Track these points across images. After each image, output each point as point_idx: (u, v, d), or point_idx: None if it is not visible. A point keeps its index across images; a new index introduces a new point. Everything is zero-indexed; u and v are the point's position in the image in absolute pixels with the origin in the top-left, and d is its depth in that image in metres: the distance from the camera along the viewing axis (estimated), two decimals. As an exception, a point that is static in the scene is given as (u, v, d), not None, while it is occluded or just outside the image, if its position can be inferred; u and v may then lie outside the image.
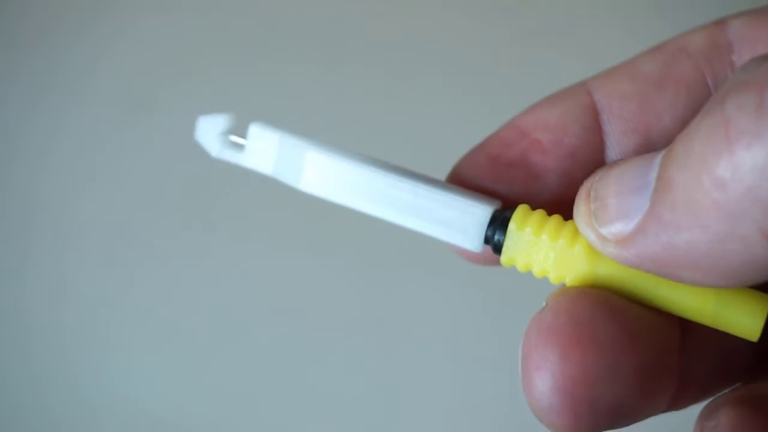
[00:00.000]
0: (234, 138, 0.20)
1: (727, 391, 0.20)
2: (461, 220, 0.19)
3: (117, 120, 0.54)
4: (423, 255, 0.48)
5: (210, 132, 0.20)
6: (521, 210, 0.19)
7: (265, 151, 0.20)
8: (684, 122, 0.19)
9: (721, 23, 0.20)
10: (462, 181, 0.20)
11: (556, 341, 0.16)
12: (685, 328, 0.19)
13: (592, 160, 0.20)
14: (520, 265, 0.19)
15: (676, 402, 0.19)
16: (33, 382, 0.51)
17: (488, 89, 0.53)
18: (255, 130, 0.20)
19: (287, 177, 0.20)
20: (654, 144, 0.20)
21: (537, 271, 0.19)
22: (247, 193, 0.51)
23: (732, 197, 0.14)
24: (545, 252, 0.18)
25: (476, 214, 0.19)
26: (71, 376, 0.52)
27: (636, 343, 0.17)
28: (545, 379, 0.16)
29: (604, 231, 0.17)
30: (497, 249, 0.19)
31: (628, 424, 0.17)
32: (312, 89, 0.54)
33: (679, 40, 0.20)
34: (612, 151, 0.20)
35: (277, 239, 0.52)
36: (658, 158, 0.16)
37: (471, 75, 0.54)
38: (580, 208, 0.18)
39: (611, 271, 0.18)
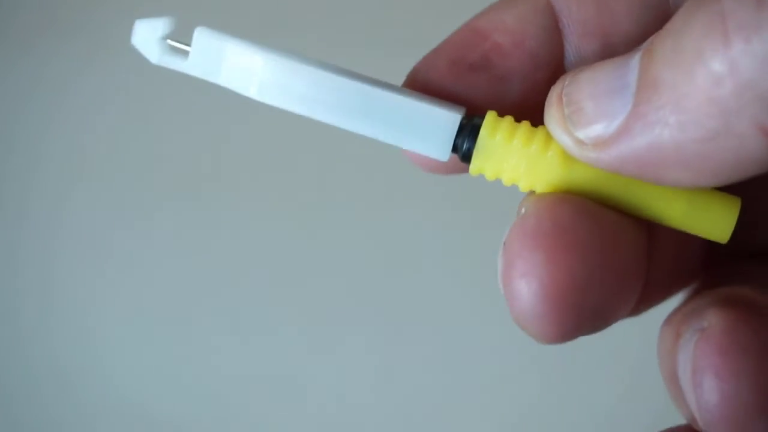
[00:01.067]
0: (176, 43, 0.19)
1: (688, 296, 0.21)
2: (427, 126, 0.18)
3: (109, 118, 0.52)
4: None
5: (148, 36, 0.19)
6: (491, 116, 0.18)
7: (211, 57, 0.18)
8: (643, 24, 0.19)
9: None
10: (421, 86, 0.19)
11: (541, 246, 0.16)
12: (649, 231, 0.19)
13: (554, 63, 0.19)
14: (489, 173, 0.18)
15: (638, 306, 0.19)
16: (29, 381, 0.51)
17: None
18: (200, 35, 0.18)
19: (237, 85, 0.18)
20: (614, 47, 0.19)
21: (506, 178, 0.18)
22: (244, 187, 0.51)
23: (729, 92, 0.14)
24: (517, 159, 0.18)
25: (443, 120, 0.18)
26: (67, 375, 0.51)
27: (617, 247, 0.17)
28: (532, 285, 0.16)
29: (581, 134, 0.16)
30: (466, 157, 0.18)
31: (604, 328, 0.17)
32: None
33: None
34: (571, 54, 0.20)
35: (277, 234, 0.52)
36: (635, 59, 0.16)
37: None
38: (552, 113, 0.17)
39: (584, 177, 0.18)
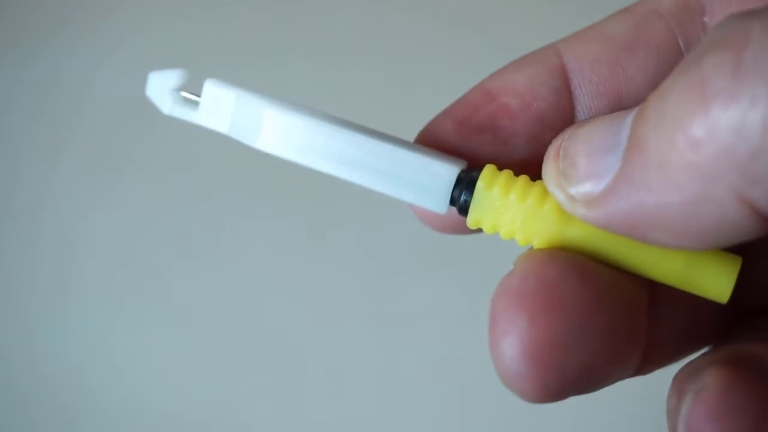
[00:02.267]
0: (187, 95, 0.19)
1: (701, 353, 0.20)
2: (426, 180, 0.18)
3: (122, 122, 0.53)
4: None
5: (161, 88, 0.19)
6: (488, 170, 0.18)
7: (219, 108, 0.19)
8: (656, 85, 0.19)
9: None
10: (428, 144, 0.20)
11: (523, 305, 0.16)
12: (653, 290, 0.18)
13: (562, 124, 0.19)
14: (487, 227, 0.18)
15: (644, 366, 0.19)
16: (41, 381, 0.51)
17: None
18: (210, 86, 0.19)
19: (244, 135, 0.19)
20: (625, 107, 0.19)
21: (504, 232, 0.18)
22: (250, 195, 0.52)
23: (706, 158, 0.14)
24: (513, 212, 0.18)
25: (441, 173, 0.18)
26: (79, 375, 0.52)
27: (604, 306, 0.17)
28: (513, 344, 0.16)
29: (574, 191, 0.17)
30: (463, 210, 0.18)
31: (596, 389, 0.17)
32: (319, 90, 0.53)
33: (650, 2, 0.20)
34: (582, 114, 0.20)
35: (280, 239, 0.53)
36: (630, 117, 0.16)
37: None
38: (548, 167, 0.17)
39: (580, 233, 0.17)
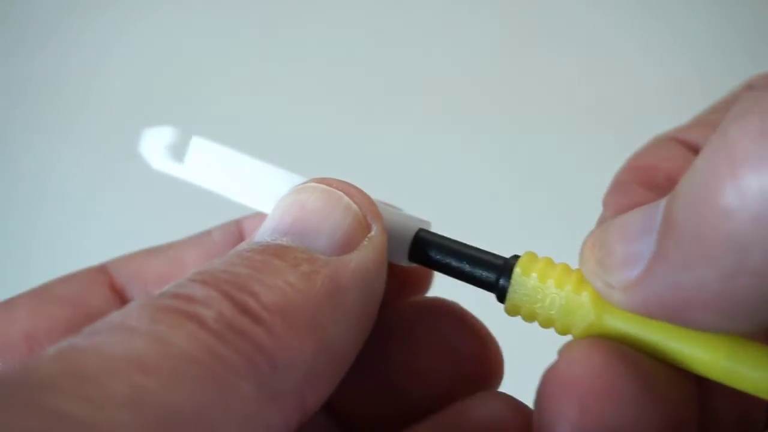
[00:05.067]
0: (175, 151, 0.21)
1: None
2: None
3: (119, 125, 0.53)
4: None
5: (153, 144, 0.21)
6: (527, 256, 0.18)
7: (204, 164, 0.20)
8: None
9: None
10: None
11: (573, 394, 0.15)
12: (702, 380, 0.18)
13: None
14: (524, 313, 0.18)
15: None
16: None
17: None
18: (196, 144, 0.20)
19: (228, 191, 0.20)
20: None
21: (542, 320, 0.18)
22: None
23: (739, 227, 0.13)
24: (551, 299, 0.17)
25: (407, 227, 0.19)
26: None
27: (655, 395, 0.16)
28: None
29: (610, 278, 0.16)
30: (502, 295, 0.18)
31: None
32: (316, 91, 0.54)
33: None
34: None
35: None
36: (663, 201, 0.15)
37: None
38: (585, 257, 0.17)
39: (620, 322, 0.17)
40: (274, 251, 0.16)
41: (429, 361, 0.20)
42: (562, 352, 0.17)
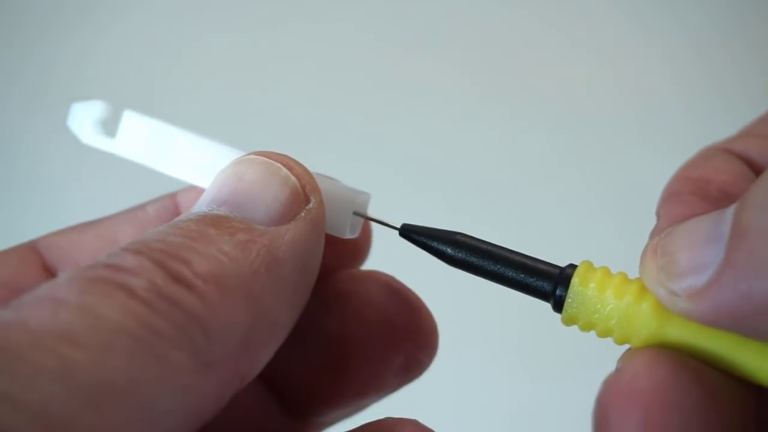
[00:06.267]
0: (106, 125, 0.20)
1: None
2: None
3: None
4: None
5: (83, 118, 0.20)
6: (584, 265, 0.18)
7: (136, 137, 0.20)
8: None
9: None
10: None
11: (637, 404, 0.15)
12: (760, 392, 0.17)
13: None
14: (582, 324, 0.17)
15: None
16: None
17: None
18: (127, 117, 0.20)
19: (157, 163, 0.20)
20: None
21: (600, 330, 0.17)
22: None
23: None
24: (609, 310, 0.17)
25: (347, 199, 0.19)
26: None
27: (717, 406, 0.16)
28: None
29: (675, 286, 0.16)
30: (558, 305, 0.18)
31: None
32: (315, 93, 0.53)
33: None
34: None
35: None
36: (731, 209, 0.15)
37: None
38: (646, 265, 0.17)
39: (680, 332, 0.17)
40: (211, 221, 0.16)
41: (364, 331, 0.20)
42: (624, 362, 0.16)
